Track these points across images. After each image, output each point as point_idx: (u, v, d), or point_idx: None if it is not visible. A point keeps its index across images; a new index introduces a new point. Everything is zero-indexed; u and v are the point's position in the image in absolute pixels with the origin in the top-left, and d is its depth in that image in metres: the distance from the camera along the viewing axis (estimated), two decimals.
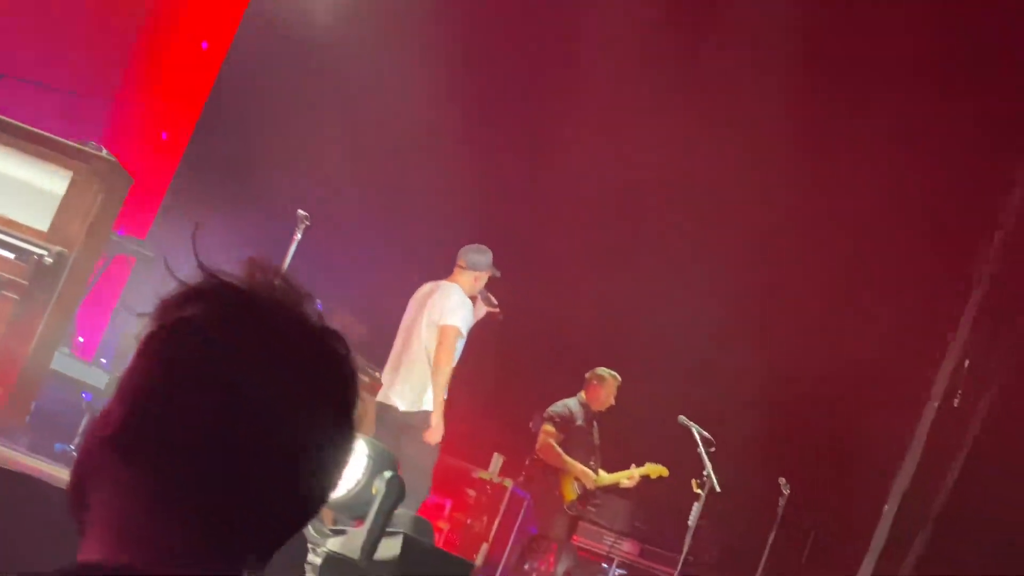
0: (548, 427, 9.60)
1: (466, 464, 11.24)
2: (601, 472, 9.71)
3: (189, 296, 1.53)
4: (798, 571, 10.41)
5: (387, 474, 6.25)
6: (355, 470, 6.29)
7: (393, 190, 10.14)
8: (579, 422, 9.66)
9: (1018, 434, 8.73)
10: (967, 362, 9.04)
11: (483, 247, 8.65)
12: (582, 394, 9.78)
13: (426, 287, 8.59)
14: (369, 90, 10.14)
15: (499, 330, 10.58)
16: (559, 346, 11.05)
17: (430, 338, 8.30)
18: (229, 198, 9.42)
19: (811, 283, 10.40)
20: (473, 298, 8.60)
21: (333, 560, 5.84)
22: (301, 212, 7.72)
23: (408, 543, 6.30)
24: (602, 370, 9.74)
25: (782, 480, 9.94)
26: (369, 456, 6.33)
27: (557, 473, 9.59)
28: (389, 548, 6.27)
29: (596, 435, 9.75)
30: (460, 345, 8.35)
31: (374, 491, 6.19)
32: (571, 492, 9.61)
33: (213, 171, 9.74)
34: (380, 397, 8.45)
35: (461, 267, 8.55)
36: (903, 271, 9.63)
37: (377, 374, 10.15)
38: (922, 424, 9.18)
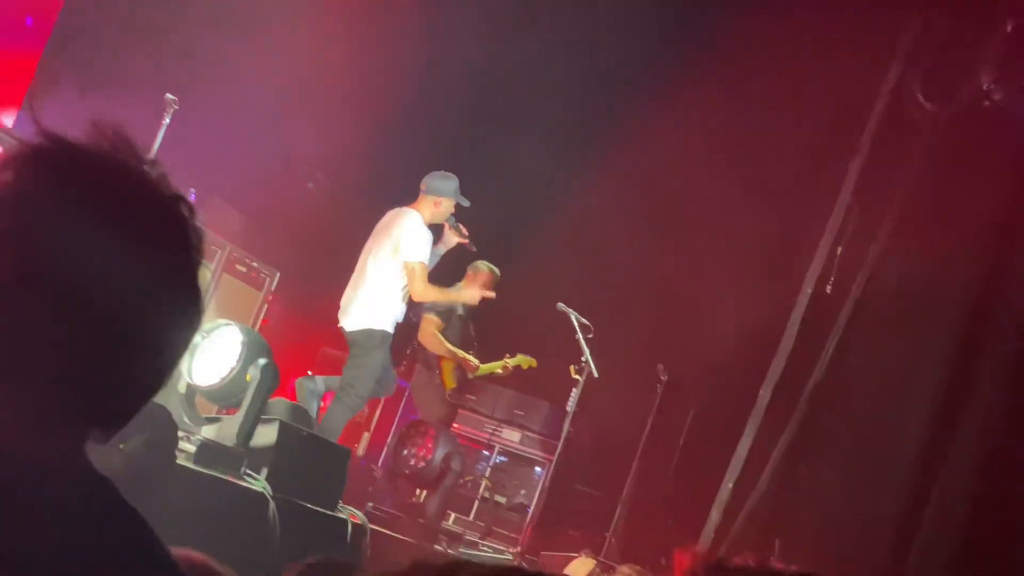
0: (430, 316, 9.59)
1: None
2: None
3: (20, 155, 1.47)
4: (675, 454, 10.63)
5: (261, 361, 6.21)
6: (229, 357, 6.24)
7: (268, 72, 9.88)
8: (459, 312, 9.68)
9: (886, 318, 8.94)
10: (839, 249, 9.20)
11: (447, 173, 8.59)
12: (460, 285, 9.78)
13: (390, 213, 8.56)
14: None
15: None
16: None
17: (384, 264, 8.31)
18: (98, 84, 9.13)
19: (687, 172, 10.46)
20: (441, 227, 8.65)
21: (208, 447, 5.80)
22: (169, 96, 7.51)
23: (284, 430, 6.28)
24: (483, 264, 9.72)
25: (660, 366, 10.11)
26: (243, 343, 6.27)
27: (438, 362, 9.63)
28: (265, 435, 6.24)
29: (472, 327, 9.80)
30: None
31: (248, 378, 6.15)
32: (451, 381, 9.67)
33: (81, 57, 9.41)
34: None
35: (422, 191, 8.52)
36: (778, 165, 9.71)
37: (255, 264, 10.05)
38: (796, 311, 9.34)
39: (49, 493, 1.40)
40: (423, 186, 8.52)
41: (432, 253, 8.67)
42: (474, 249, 8.98)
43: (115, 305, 1.43)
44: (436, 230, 8.61)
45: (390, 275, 8.28)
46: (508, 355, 9.93)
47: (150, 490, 4.81)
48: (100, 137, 1.48)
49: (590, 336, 9.31)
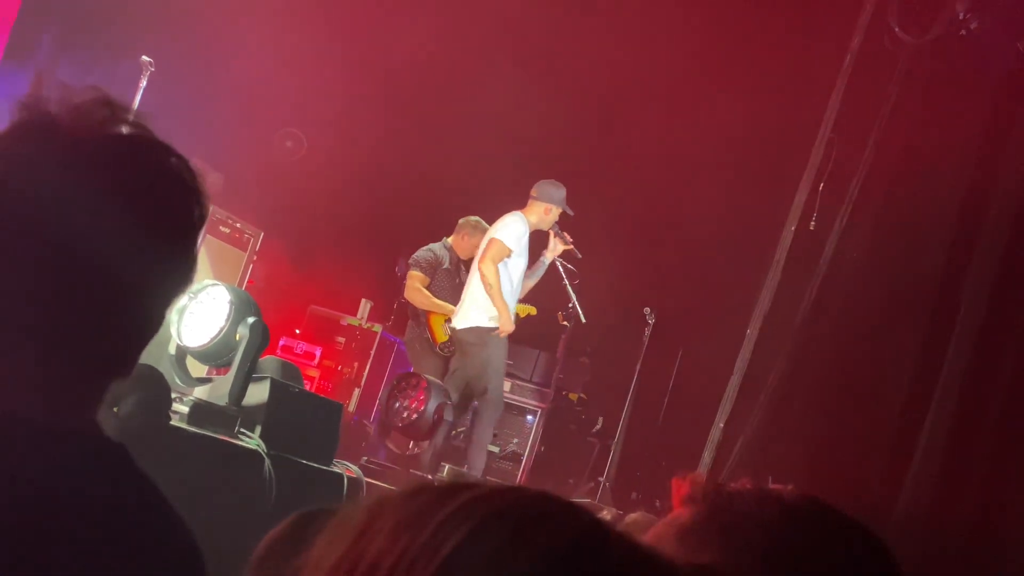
0: (415, 272, 9.61)
1: (334, 312, 11.22)
2: None
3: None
4: (666, 396, 10.68)
5: (250, 319, 6.20)
6: (217, 317, 6.23)
7: (246, 32, 9.80)
8: (445, 265, 9.69)
9: (870, 252, 8.97)
10: (821, 185, 9.21)
11: (558, 182, 8.88)
12: (448, 239, 9.78)
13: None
14: None
15: (363, 175, 10.46)
16: (423, 190, 10.98)
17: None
18: (74, 46, 9.06)
19: (670, 112, 10.45)
20: (546, 234, 8.93)
21: (201, 408, 5.81)
22: (145, 58, 7.46)
23: (276, 387, 6.29)
24: (476, 220, 9.70)
25: (647, 310, 10.12)
26: (231, 302, 6.25)
27: (427, 316, 9.64)
28: (257, 393, 6.25)
29: (463, 276, 9.78)
30: (516, 264, 8.66)
31: (237, 337, 6.15)
32: (442, 334, 9.67)
33: (55, 18, 9.32)
34: None
35: (532, 197, 8.82)
36: (758, 104, 9.70)
37: (238, 224, 10.03)
38: (780, 248, 9.35)
39: (62, 456, 1.41)
40: (534, 192, 8.83)
41: (539, 263, 8.97)
42: (579, 256, 9.14)
43: (101, 253, 1.43)
44: (542, 238, 8.93)
45: None
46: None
47: (146, 452, 4.83)
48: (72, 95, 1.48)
49: (576, 282, 9.33)
